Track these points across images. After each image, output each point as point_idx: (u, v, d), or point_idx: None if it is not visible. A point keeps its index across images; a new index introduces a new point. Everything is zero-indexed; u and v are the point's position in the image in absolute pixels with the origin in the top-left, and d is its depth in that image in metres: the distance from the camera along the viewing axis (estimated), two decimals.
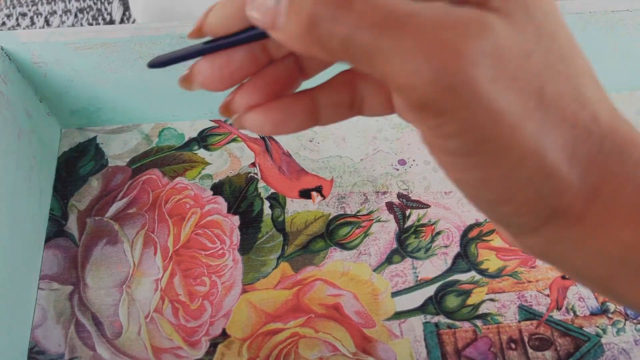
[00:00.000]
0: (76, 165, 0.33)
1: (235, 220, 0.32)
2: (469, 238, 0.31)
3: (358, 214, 0.32)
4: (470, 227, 0.32)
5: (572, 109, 0.16)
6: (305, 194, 0.33)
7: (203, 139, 0.34)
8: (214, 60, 0.19)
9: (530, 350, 0.28)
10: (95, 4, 0.40)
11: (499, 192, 0.17)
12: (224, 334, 0.29)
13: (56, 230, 0.31)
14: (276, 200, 0.32)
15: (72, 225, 0.31)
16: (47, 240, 0.31)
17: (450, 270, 0.30)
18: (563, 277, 0.30)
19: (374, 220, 0.32)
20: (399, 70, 0.15)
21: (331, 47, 0.16)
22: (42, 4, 0.39)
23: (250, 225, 0.32)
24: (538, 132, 0.16)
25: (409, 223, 0.32)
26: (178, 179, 0.33)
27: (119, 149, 0.34)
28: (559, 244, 0.17)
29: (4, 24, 0.39)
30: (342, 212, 0.32)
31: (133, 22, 0.39)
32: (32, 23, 0.39)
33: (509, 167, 0.16)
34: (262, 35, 0.17)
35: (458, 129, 0.15)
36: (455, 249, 0.31)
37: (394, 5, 0.15)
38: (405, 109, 0.19)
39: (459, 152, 0.16)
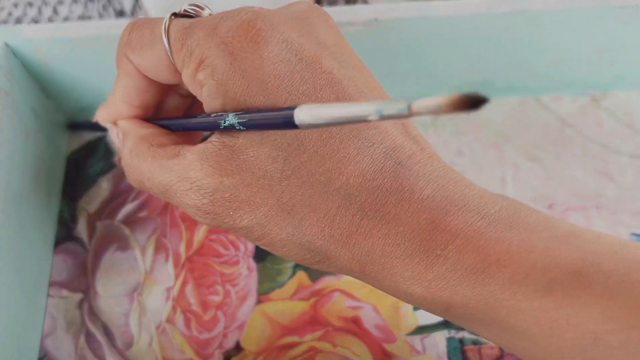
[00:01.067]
0: (85, 165, 0.32)
1: None
2: None
3: None
4: None
5: (315, 203, 0.18)
6: None
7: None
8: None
9: None
10: None
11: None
12: (238, 347, 0.27)
13: (65, 235, 0.30)
14: None
15: (81, 229, 0.30)
16: (57, 244, 0.30)
17: None
18: None
19: None
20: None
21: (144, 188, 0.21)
22: None
23: None
24: (293, 233, 0.18)
25: None
26: None
27: None
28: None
29: (10, 14, 0.37)
30: None
31: (144, 13, 0.37)
32: (40, 13, 0.37)
33: (284, 254, 0.20)
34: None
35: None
36: None
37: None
38: None
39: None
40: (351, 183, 0.18)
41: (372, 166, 0.18)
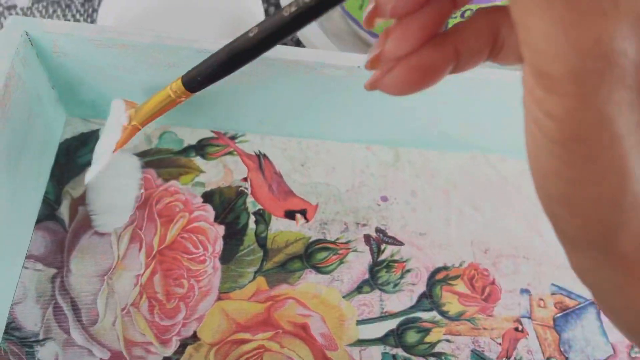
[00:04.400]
0: (76, 154, 0.34)
1: (221, 229, 0.33)
2: (436, 280, 0.33)
3: (337, 241, 0.34)
4: (438, 270, 0.34)
5: None
6: (290, 215, 0.34)
7: (201, 148, 0.36)
8: None
9: None
10: None
11: (559, 191, 0.15)
12: (195, 337, 0.30)
13: (48, 214, 0.32)
14: (262, 217, 0.34)
15: (64, 211, 0.32)
16: (38, 221, 0.32)
17: (414, 307, 0.32)
18: (516, 330, 0.33)
19: (351, 250, 0.34)
20: (533, 26, 0.13)
21: None
22: None
23: (233, 237, 0.33)
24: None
25: (382, 257, 0.34)
26: (171, 182, 0.34)
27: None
28: (599, 279, 0.16)
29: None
30: (322, 237, 0.34)
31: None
32: None
33: (587, 178, 0.14)
34: None
35: (560, 115, 0.14)
36: (421, 288, 0.33)
37: None
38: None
39: (548, 134, 0.14)
40: None
41: None
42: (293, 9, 0.19)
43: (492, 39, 0.18)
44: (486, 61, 0.19)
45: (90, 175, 0.29)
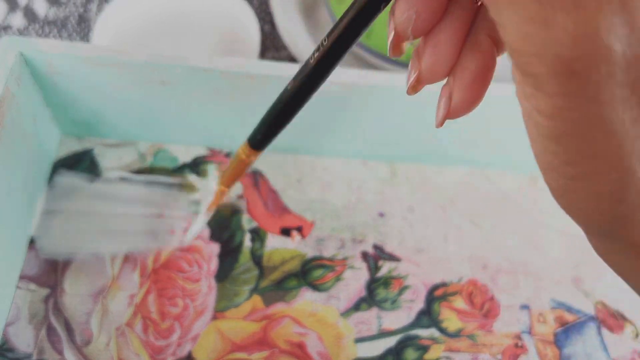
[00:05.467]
0: (70, 173, 0.34)
1: (216, 248, 0.33)
2: (434, 296, 0.33)
3: (333, 258, 0.34)
4: (436, 287, 0.33)
5: None
6: (285, 232, 0.34)
7: (196, 165, 0.36)
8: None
9: None
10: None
11: (564, 188, 0.15)
12: (190, 357, 0.30)
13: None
14: (257, 234, 0.34)
15: None
16: (32, 241, 0.32)
17: (412, 325, 0.32)
18: (515, 346, 0.32)
19: (347, 267, 0.33)
20: (508, 24, 0.13)
21: None
22: None
23: (229, 255, 0.33)
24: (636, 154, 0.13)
25: (379, 274, 0.34)
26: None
27: (113, 163, 0.35)
28: (617, 261, 0.16)
29: None
30: (319, 254, 0.34)
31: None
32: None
33: (585, 174, 0.14)
34: None
35: (550, 112, 0.13)
36: (419, 304, 0.33)
37: None
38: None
39: (541, 131, 0.14)
40: None
41: None
42: (316, 54, 0.20)
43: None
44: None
45: (190, 235, 0.33)
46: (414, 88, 0.19)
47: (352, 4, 0.18)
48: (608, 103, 0.12)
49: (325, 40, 0.20)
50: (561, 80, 0.12)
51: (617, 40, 0.12)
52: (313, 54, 0.21)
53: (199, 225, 0.33)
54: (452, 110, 0.19)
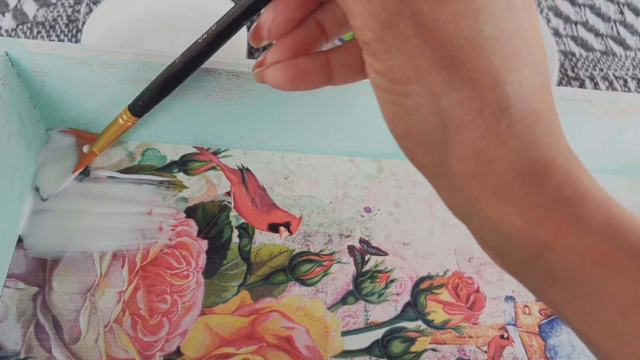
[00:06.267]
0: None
1: (204, 244, 0.33)
2: (420, 289, 0.34)
3: (321, 253, 0.34)
4: (422, 279, 0.34)
5: (488, 80, 0.17)
6: (273, 228, 0.35)
7: (184, 163, 0.36)
8: (275, 7, 0.23)
9: None
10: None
11: (401, 127, 0.19)
12: (178, 352, 0.30)
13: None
14: (245, 230, 0.34)
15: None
16: (19, 240, 0.32)
17: (399, 317, 0.32)
18: (501, 337, 0.32)
19: (335, 261, 0.34)
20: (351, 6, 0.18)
21: None
22: None
23: (217, 251, 0.33)
24: (441, 88, 0.17)
25: (366, 268, 0.34)
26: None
27: (102, 163, 0.35)
28: (458, 206, 0.19)
29: None
30: (306, 250, 0.34)
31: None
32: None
33: (410, 110, 0.18)
34: None
35: (380, 68, 0.18)
36: (406, 297, 0.33)
37: None
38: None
39: (379, 86, 0.19)
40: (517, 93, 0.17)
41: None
42: (204, 36, 0.26)
43: (359, 57, 0.22)
44: (363, 79, 0.24)
45: (47, 193, 0.34)
46: (255, 68, 0.24)
47: (238, 3, 0.24)
48: (410, 53, 0.17)
49: (213, 26, 0.25)
50: (381, 41, 0.17)
51: (426, 4, 0.16)
52: (202, 35, 0.26)
53: (60, 183, 0.34)
54: (265, 77, 0.24)
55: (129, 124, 0.31)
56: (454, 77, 0.17)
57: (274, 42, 0.24)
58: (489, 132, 0.17)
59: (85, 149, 0.34)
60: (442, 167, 0.18)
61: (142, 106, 0.30)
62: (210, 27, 0.25)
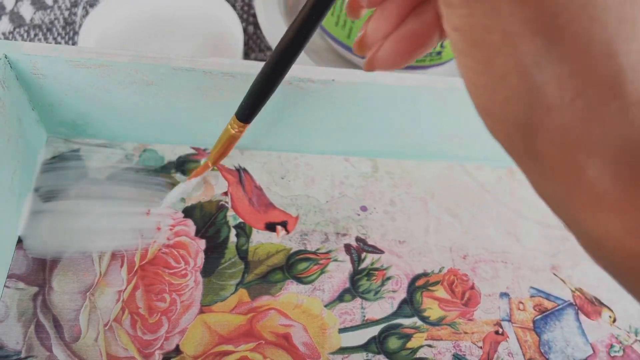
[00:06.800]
0: (57, 173, 0.35)
1: (202, 243, 0.34)
2: (416, 286, 0.34)
3: (317, 251, 0.34)
4: (418, 277, 0.34)
5: (598, 49, 0.13)
6: (270, 227, 0.35)
7: (181, 164, 0.36)
8: None
9: None
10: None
11: (481, 101, 0.16)
12: (177, 350, 0.30)
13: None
14: (242, 230, 0.35)
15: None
16: (19, 241, 0.32)
17: (395, 314, 0.33)
18: (496, 333, 0.33)
19: (331, 259, 0.34)
20: None
21: None
22: None
23: (215, 250, 0.34)
24: (533, 58, 0.14)
25: (363, 266, 0.34)
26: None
27: (99, 163, 0.36)
28: (535, 177, 0.16)
29: None
30: (303, 248, 0.34)
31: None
32: None
33: (491, 81, 0.15)
34: None
35: (459, 25, 0.15)
36: (402, 294, 0.34)
37: None
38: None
39: (456, 48, 0.16)
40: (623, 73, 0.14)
41: None
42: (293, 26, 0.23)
43: None
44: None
45: (165, 201, 0.34)
46: (358, 47, 0.21)
47: None
48: (502, 11, 0.14)
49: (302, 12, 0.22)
50: None
51: None
52: (290, 26, 0.23)
53: (176, 192, 0.34)
54: (378, 58, 0.20)
55: (240, 131, 0.30)
56: (551, 44, 0.13)
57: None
58: (592, 117, 0.14)
59: (202, 161, 0.35)
60: (529, 150, 0.15)
61: (248, 111, 0.29)
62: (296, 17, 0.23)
